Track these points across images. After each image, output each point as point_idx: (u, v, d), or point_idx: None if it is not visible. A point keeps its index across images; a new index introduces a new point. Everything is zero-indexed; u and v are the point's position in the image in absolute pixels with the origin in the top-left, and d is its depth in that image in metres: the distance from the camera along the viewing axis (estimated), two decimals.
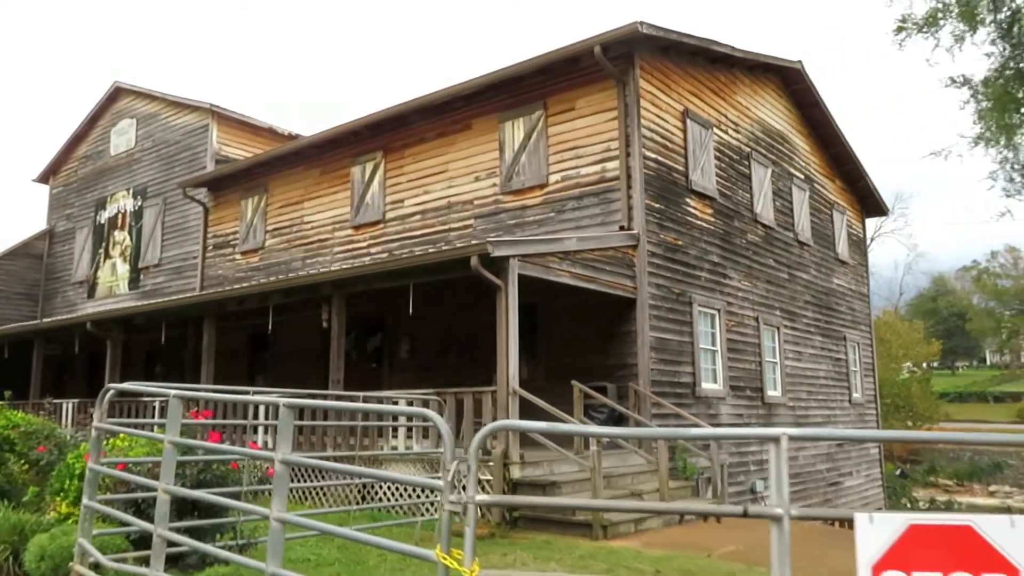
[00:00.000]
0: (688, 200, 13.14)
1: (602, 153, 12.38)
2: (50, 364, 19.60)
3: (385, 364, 14.94)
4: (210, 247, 19.05)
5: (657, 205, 12.26)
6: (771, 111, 16.56)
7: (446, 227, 14.28)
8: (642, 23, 11.48)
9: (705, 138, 13.78)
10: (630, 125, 12.09)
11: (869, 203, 21.19)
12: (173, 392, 4.50)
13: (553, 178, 12.90)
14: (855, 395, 18.88)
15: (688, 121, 13.32)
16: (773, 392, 15.02)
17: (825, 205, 18.81)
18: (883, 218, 22.06)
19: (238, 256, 18.29)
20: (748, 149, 15.30)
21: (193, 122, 20.19)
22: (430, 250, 13.88)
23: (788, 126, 17.30)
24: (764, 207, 15.54)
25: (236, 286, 16.33)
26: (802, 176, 17.57)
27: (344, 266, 14.45)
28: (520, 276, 9.61)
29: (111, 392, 5.31)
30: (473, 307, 13.40)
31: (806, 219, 17.44)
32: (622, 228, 11.84)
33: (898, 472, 26.12)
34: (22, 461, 7.91)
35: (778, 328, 15.50)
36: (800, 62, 16.48)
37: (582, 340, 12.26)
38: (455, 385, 12.92)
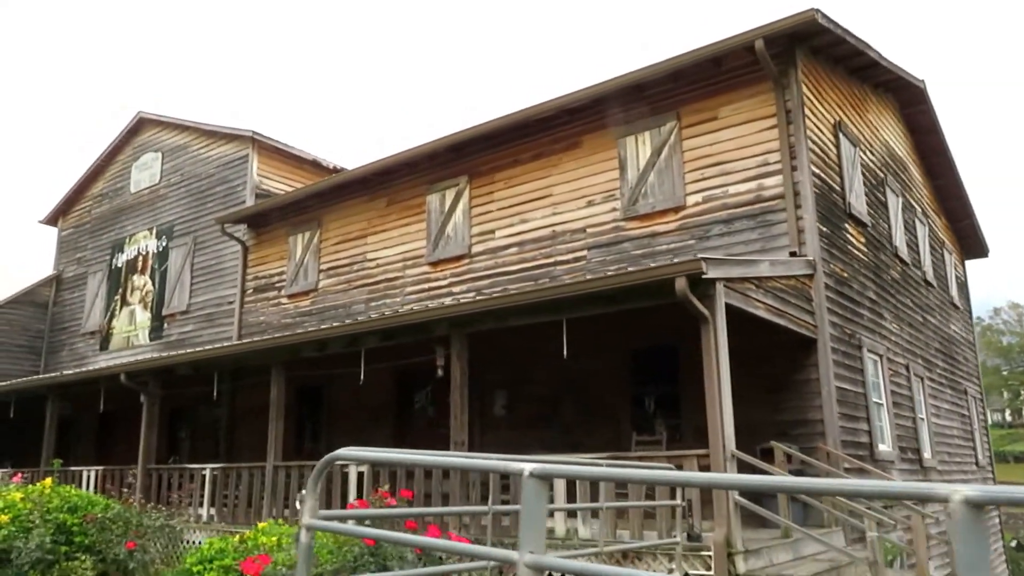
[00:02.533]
0: (847, 226, 11.18)
1: (757, 168, 10.42)
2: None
3: (476, 422, 12.63)
4: (250, 290, 16.79)
5: (824, 229, 10.27)
6: (892, 134, 14.78)
7: (551, 260, 12.19)
8: (817, 11, 9.68)
9: (854, 156, 11.91)
10: (793, 134, 10.17)
11: (970, 244, 19.40)
12: (530, 467, 2.32)
13: (692, 199, 10.91)
14: (979, 456, 16.71)
15: (841, 136, 11.46)
16: (927, 454, 12.84)
17: (937, 243, 16.95)
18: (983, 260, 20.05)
19: (284, 300, 16.05)
20: (882, 174, 13.45)
21: (230, 153, 18.14)
22: (528, 287, 11.79)
23: (905, 152, 15.53)
24: (899, 240, 13.62)
25: (288, 332, 14.08)
26: (920, 209, 15.73)
27: (435, 304, 12.27)
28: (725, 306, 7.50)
29: (327, 465, 3.11)
30: (587, 352, 11.26)
31: (928, 257, 15.53)
32: (793, 255, 9.81)
33: (1013, 543, 23.72)
34: (87, 559, 5.59)
35: (923, 379, 13.41)
36: (923, 81, 14.78)
37: (740, 390, 10.07)
38: (572, 447, 10.74)
